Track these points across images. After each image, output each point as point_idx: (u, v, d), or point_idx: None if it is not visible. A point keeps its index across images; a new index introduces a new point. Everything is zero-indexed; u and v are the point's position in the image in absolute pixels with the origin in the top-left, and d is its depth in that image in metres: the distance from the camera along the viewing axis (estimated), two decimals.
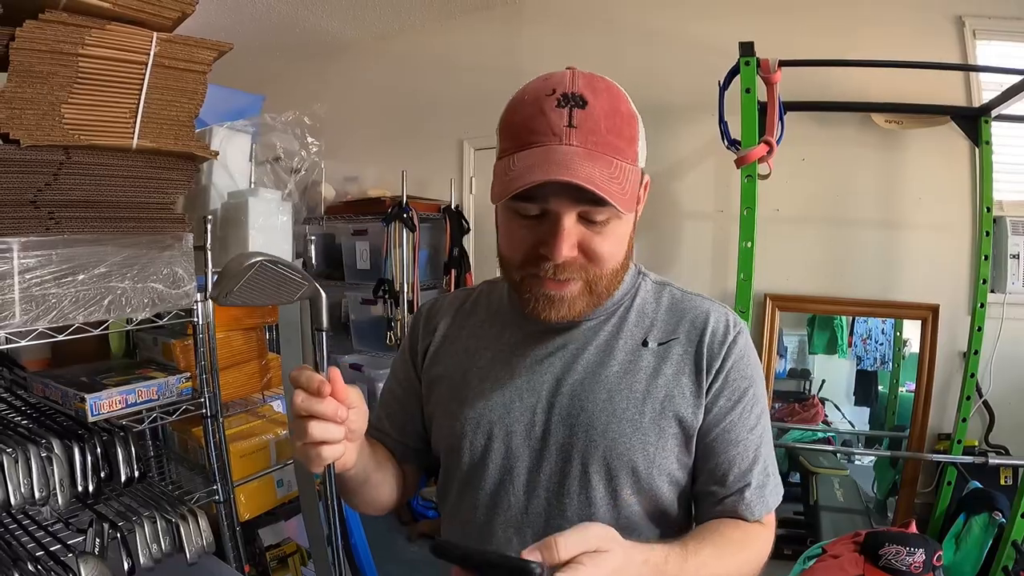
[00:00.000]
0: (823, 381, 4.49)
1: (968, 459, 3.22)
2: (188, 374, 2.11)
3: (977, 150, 3.36)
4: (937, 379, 3.54)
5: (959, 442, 3.30)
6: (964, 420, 3.29)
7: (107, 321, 1.82)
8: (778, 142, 2.99)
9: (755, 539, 1.16)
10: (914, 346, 3.76)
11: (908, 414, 3.67)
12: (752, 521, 1.16)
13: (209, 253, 2.14)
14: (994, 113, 3.25)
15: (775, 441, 1.45)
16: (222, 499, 2.19)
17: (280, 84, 5.51)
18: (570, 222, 1.04)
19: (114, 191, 1.78)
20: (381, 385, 4.43)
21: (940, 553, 2.68)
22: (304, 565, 2.86)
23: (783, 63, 2.98)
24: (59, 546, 1.75)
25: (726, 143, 3.32)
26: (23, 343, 1.68)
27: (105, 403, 1.85)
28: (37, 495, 1.65)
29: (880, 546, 2.38)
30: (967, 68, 3.49)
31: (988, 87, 3.45)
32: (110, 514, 1.87)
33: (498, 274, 1.24)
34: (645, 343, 1.20)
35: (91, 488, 1.77)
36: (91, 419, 1.81)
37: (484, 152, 5.08)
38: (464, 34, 5.06)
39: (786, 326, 4.25)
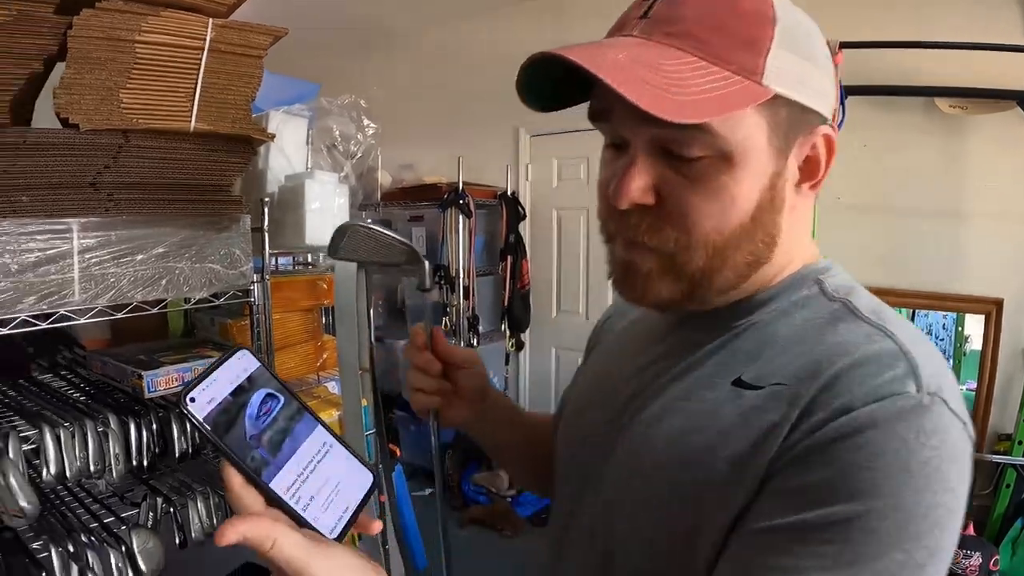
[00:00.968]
0: None
1: None
2: None
3: None
4: (999, 377, 3.44)
5: (1020, 443, 3.20)
6: None
7: (165, 300, 1.86)
8: (839, 127, 2.92)
9: None
10: (976, 342, 3.62)
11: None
12: None
13: (266, 235, 2.18)
14: None
15: None
16: None
17: (334, 74, 5.54)
18: (642, 152, 0.75)
19: (172, 173, 1.81)
20: None
21: (997, 557, 2.62)
22: (355, 544, 2.89)
23: (844, 45, 2.89)
24: (112, 518, 1.79)
25: None
26: (82, 320, 1.73)
27: (162, 380, 1.89)
28: (92, 468, 1.70)
29: None
30: None
31: None
32: (164, 489, 1.91)
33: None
34: (739, 381, 0.76)
35: (146, 462, 1.81)
36: (147, 395, 1.86)
37: (540, 139, 5.11)
38: (519, 21, 5.07)
39: None
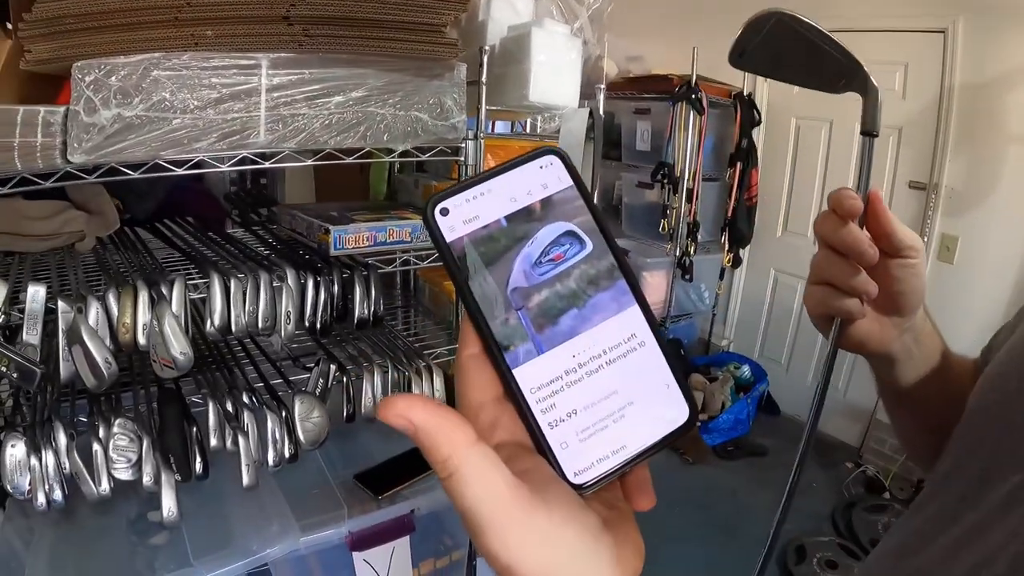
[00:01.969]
0: None
1: None
2: None
3: None
4: None
5: None
6: None
7: (363, 149, 1.67)
8: None
9: None
10: None
11: None
12: None
13: (483, 88, 1.92)
14: None
15: None
16: None
17: None
18: None
19: (376, 7, 1.58)
20: (645, 274, 4.24)
21: None
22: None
23: None
24: (280, 381, 1.69)
25: None
26: (267, 165, 1.59)
27: (351, 237, 1.73)
28: (261, 324, 1.56)
29: None
30: None
31: None
32: (341, 356, 1.79)
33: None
34: None
35: (319, 324, 1.67)
36: (333, 252, 1.71)
37: None
38: None
39: None
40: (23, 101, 1.38)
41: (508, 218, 0.42)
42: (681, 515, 3.61)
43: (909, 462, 3.57)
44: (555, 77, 1.98)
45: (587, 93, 2.26)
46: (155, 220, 2.16)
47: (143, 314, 1.41)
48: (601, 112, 2.49)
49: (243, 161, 1.55)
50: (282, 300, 1.59)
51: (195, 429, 1.50)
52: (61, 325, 1.34)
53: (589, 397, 0.42)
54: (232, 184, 2.69)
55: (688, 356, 4.66)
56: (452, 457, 0.35)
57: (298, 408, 1.56)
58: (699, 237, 4.58)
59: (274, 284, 1.58)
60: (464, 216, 0.41)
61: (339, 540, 1.75)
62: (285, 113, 1.53)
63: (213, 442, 1.53)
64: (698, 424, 4.23)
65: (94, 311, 1.37)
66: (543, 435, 0.40)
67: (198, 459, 1.50)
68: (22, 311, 1.33)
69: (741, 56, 0.79)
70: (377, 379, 1.76)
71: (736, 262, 4.82)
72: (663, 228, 4.52)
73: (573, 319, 0.42)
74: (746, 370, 4.66)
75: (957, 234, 3.78)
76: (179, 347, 1.38)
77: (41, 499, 1.36)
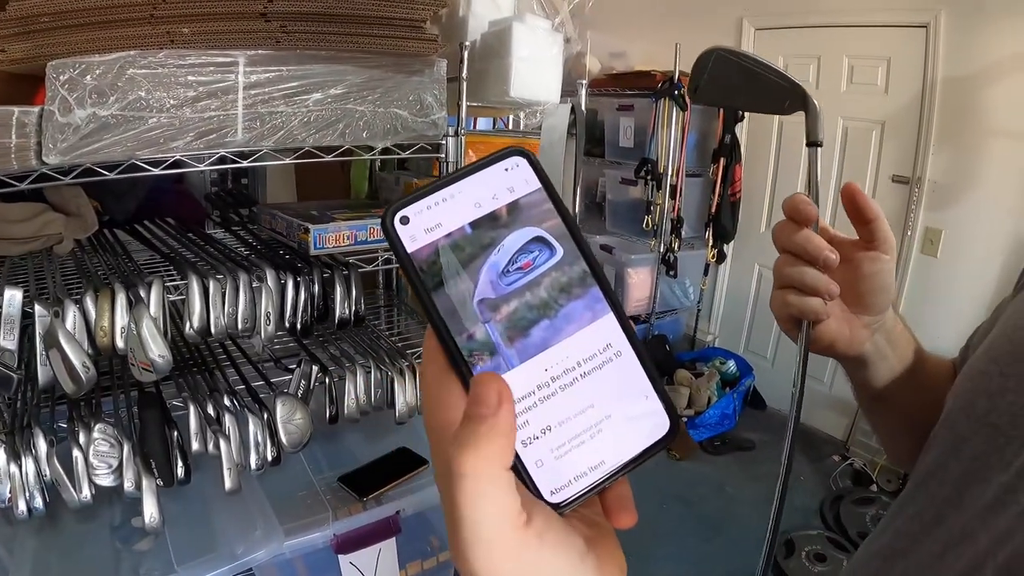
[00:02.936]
0: None
1: None
2: None
3: None
4: None
5: None
6: None
7: (342, 147, 1.66)
8: None
9: None
10: None
11: None
12: None
13: (464, 85, 1.91)
14: None
15: None
16: None
17: None
18: None
19: (355, 3, 1.57)
20: (630, 271, 4.25)
21: None
22: None
23: None
24: (262, 383, 1.67)
25: None
26: (245, 164, 1.59)
27: (331, 236, 1.71)
28: (241, 325, 1.55)
29: None
30: None
31: None
32: (323, 357, 1.77)
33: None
34: None
35: (299, 324, 1.65)
36: (313, 252, 1.68)
37: (765, 32, 4.62)
38: None
39: None
40: (1, 102, 1.36)
41: (473, 225, 0.40)
42: (670, 512, 3.62)
43: None
44: (537, 72, 1.98)
45: (569, 90, 2.26)
46: (134, 222, 2.14)
47: (121, 317, 1.39)
48: (583, 108, 2.49)
49: (222, 160, 1.54)
50: (261, 301, 1.57)
51: (176, 433, 1.48)
52: (38, 329, 1.32)
53: (564, 412, 0.40)
54: (213, 184, 2.66)
55: (674, 352, 4.69)
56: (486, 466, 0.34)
57: (280, 410, 1.55)
58: (683, 233, 4.61)
59: (253, 285, 1.57)
60: (426, 224, 0.40)
61: (324, 543, 1.74)
62: (263, 111, 1.52)
63: (195, 446, 1.51)
64: (683, 420, 4.25)
65: (72, 315, 1.35)
66: (516, 454, 0.37)
67: (180, 464, 1.49)
68: None
69: (696, 92, 0.87)
70: (360, 380, 1.74)
71: (720, 258, 4.85)
72: (647, 224, 4.55)
73: (544, 330, 0.41)
74: (732, 365, 4.68)
75: (941, 227, 3.80)
76: (158, 350, 1.36)
77: (22, 507, 1.34)
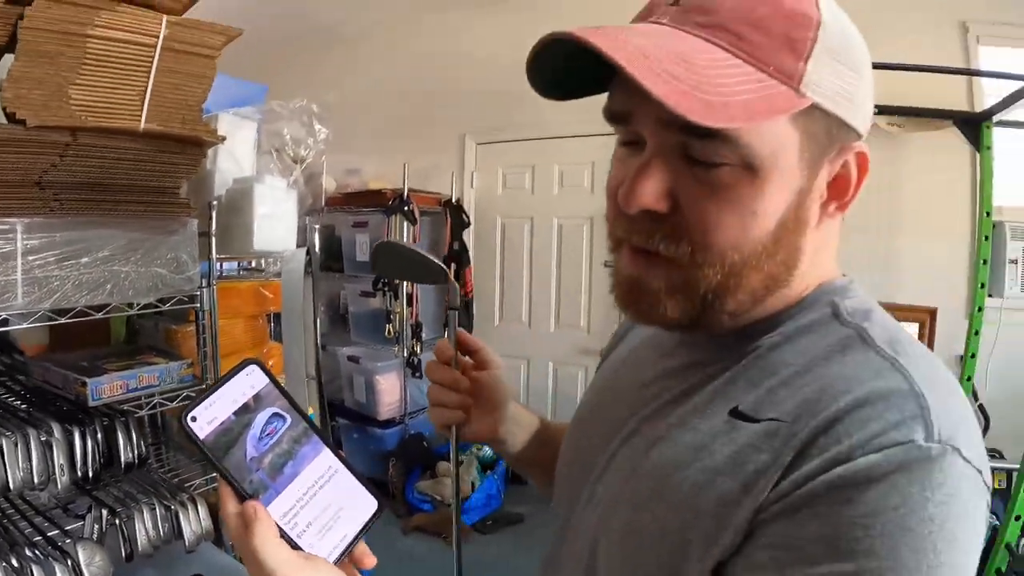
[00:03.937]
0: None
1: None
2: (190, 361, 2.09)
3: (978, 155, 3.36)
4: None
5: None
6: None
7: (110, 305, 1.81)
8: None
9: None
10: None
11: None
12: None
13: (213, 239, 2.13)
14: (995, 119, 3.25)
15: None
16: None
17: (282, 74, 5.46)
18: (658, 153, 0.67)
19: (120, 174, 1.76)
20: (378, 378, 4.45)
21: None
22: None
23: None
24: (57, 531, 1.72)
25: None
26: (25, 326, 1.69)
27: (106, 387, 1.83)
28: (36, 480, 1.63)
29: None
30: (969, 73, 3.56)
31: (990, 92, 3.49)
32: (109, 500, 1.84)
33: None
34: (737, 411, 0.70)
35: (91, 473, 1.75)
36: (91, 403, 1.79)
37: (486, 147, 5.12)
38: (468, 27, 5.08)
39: None
40: None
41: (235, 413, 0.68)
42: None
43: None
44: (276, 227, 2.25)
45: (310, 210, 2.50)
46: None
47: None
48: (317, 230, 2.74)
49: (2, 323, 1.63)
50: (54, 454, 1.66)
51: None
52: None
53: (314, 512, 0.69)
54: None
55: (432, 446, 4.86)
56: (257, 526, 0.65)
57: (82, 555, 1.61)
58: (423, 336, 4.85)
59: (43, 439, 1.65)
60: (207, 419, 0.67)
61: None
62: (40, 276, 1.64)
63: None
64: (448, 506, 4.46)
65: None
66: (295, 543, 0.67)
67: None
68: None
69: (376, 269, 1.30)
70: (147, 516, 1.83)
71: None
72: (389, 332, 4.75)
73: (292, 467, 0.69)
74: (487, 449, 4.85)
75: None
76: None
77: None
